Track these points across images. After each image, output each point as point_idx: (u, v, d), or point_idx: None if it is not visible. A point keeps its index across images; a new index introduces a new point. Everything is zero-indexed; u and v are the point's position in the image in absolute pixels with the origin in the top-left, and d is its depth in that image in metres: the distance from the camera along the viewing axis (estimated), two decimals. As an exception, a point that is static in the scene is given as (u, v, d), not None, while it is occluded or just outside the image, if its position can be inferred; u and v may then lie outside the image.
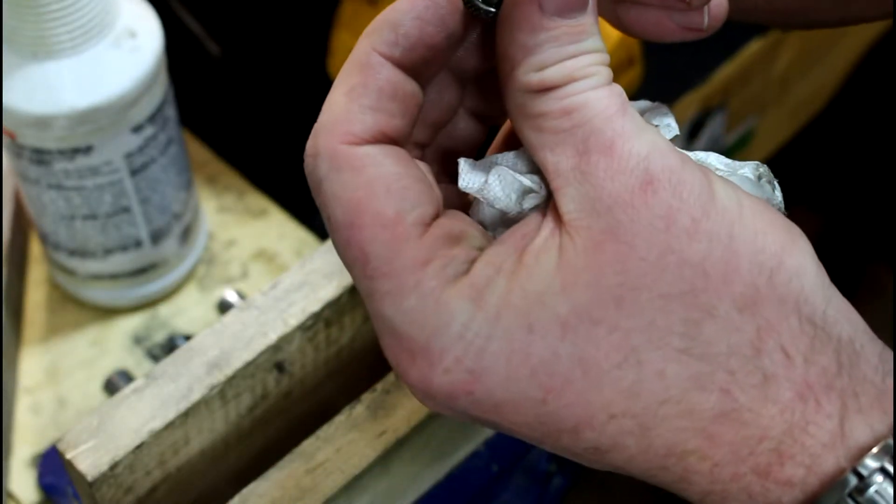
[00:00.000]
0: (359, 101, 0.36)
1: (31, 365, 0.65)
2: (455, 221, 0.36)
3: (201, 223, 0.68)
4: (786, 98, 0.92)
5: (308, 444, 0.47)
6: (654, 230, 0.34)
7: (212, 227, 0.70)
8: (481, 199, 0.37)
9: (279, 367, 0.50)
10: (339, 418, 0.48)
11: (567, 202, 0.34)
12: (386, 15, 0.36)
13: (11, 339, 0.64)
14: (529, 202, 0.36)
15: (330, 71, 0.73)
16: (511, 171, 0.36)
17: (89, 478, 0.45)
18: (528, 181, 0.36)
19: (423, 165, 0.37)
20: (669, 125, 0.39)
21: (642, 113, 0.39)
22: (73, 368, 0.65)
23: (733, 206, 0.35)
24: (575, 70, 0.35)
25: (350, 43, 0.71)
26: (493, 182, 0.36)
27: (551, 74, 0.35)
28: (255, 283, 0.68)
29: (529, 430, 0.35)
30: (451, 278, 0.35)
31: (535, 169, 0.37)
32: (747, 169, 0.38)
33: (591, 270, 0.34)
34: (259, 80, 0.78)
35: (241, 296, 0.65)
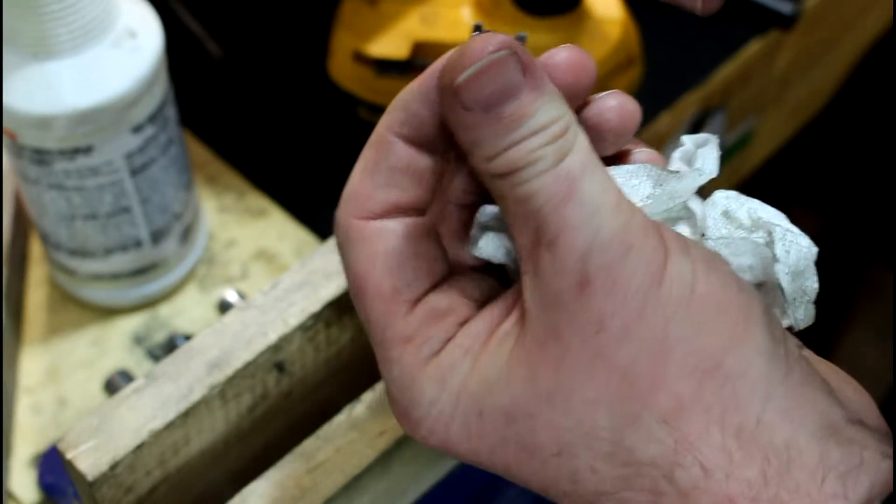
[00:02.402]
0: (372, 179, 0.38)
1: (31, 365, 0.65)
2: (445, 297, 0.38)
3: (201, 223, 0.68)
4: (786, 98, 0.92)
5: (308, 444, 0.47)
6: (585, 334, 0.34)
7: (212, 227, 0.70)
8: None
9: (279, 367, 0.50)
10: (339, 418, 0.48)
11: (526, 290, 0.35)
12: (400, 95, 0.38)
13: (11, 339, 0.64)
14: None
15: (330, 71, 0.73)
16: (496, 233, 0.38)
17: (89, 478, 0.45)
18: (510, 243, 0.38)
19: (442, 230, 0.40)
20: (701, 170, 0.39)
21: (693, 149, 0.39)
22: (74, 368, 0.65)
23: (680, 296, 0.34)
24: (518, 159, 0.34)
25: (350, 43, 0.71)
26: (483, 245, 0.38)
27: (499, 164, 0.35)
28: (255, 283, 0.68)
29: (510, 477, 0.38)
30: (425, 358, 0.37)
31: None
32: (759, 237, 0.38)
33: (531, 367, 0.35)
34: (259, 80, 0.78)
35: (241, 296, 0.65)
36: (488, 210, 0.38)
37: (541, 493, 0.37)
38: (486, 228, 0.38)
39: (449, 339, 0.37)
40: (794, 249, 0.37)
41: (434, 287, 0.38)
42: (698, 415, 0.34)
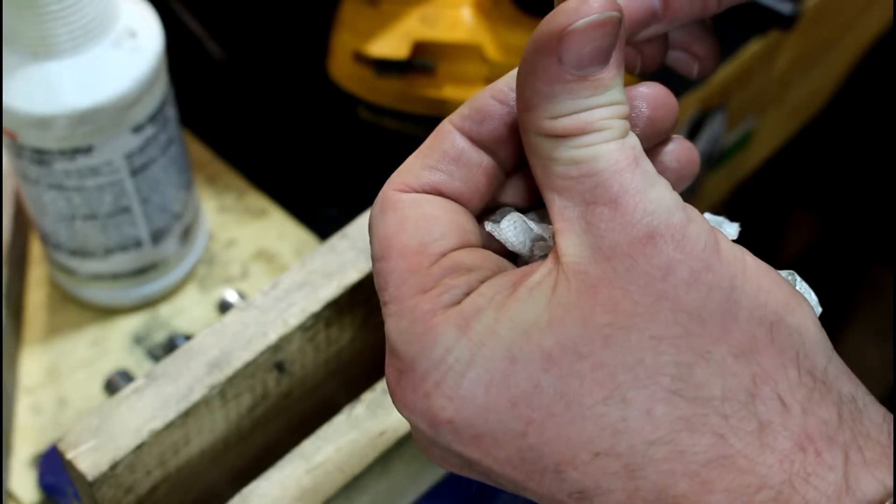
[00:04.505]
0: (422, 160, 0.38)
1: (31, 365, 0.65)
2: (473, 255, 0.37)
3: (201, 223, 0.69)
4: (786, 98, 0.92)
5: (308, 444, 0.47)
6: (650, 278, 0.34)
7: (212, 227, 0.70)
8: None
9: (279, 367, 0.50)
10: (339, 418, 0.48)
11: (567, 245, 0.35)
12: (473, 95, 0.39)
13: (11, 339, 0.64)
14: (539, 250, 0.38)
15: (330, 71, 0.73)
16: (524, 218, 0.38)
17: (89, 478, 0.45)
18: (538, 230, 0.38)
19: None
20: (726, 230, 0.40)
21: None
22: (74, 368, 0.65)
23: (737, 263, 0.35)
24: (588, 123, 0.35)
25: (350, 43, 0.71)
26: (505, 226, 0.38)
27: (565, 124, 0.35)
28: (255, 283, 0.68)
29: (512, 470, 0.35)
30: (445, 305, 0.36)
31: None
32: (783, 274, 0.38)
33: (582, 309, 0.34)
34: (259, 80, 0.78)
35: (241, 296, 0.65)
36: (505, 209, 0.39)
37: (553, 466, 0.34)
38: (506, 215, 0.39)
39: (471, 292, 0.36)
40: (808, 297, 0.38)
41: (461, 248, 0.37)
42: (774, 353, 0.34)
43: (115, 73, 0.57)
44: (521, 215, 0.39)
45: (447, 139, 0.38)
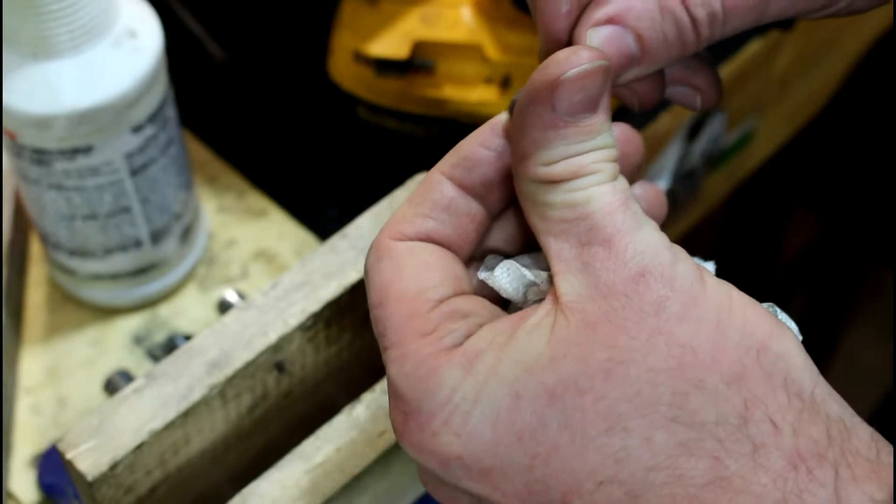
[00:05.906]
0: (414, 209, 0.39)
1: (31, 365, 0.65)
2: (469, 302, 0.39)
3: (201, 223, 0.69)
4: (785, 98, 0.92)
5: (308, 444, 0.48)
6: (644, 314, 0.36)
7: (212, 227, 0.70)
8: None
9: (279, 367, 0.50)
10: (339, 418, 0.48)
11: (565, 286, 0.37)
12: (459, 144, 0.40)
13: (11, 339, 0.64)
14: (533, 295, 0.39)
15: (330, 71, 0.73)
16: (518, 265, 0.39)
17: (89, 478, 0.45)
18: (532, 276, 0.39)
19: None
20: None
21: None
22: (74, 368, 0.65)
23: (723, 297, 0.36)
24: (581, 167, 0.37)
25: (350, 43, 0.71)
26: (499, 273, 0.40)
27: (558, 169, 0.37)
28: (255, 283, 0.68)
29: (520, 503, 0.36)
30: (447, 348, 0.37)
31: (545, 268, 0.39)
32: (763, 306, 0.39)
33: (581, 346, 0.36)
34: (259, 79, 0.78)
35: (241, 296, 0.65)
36: (495, 257, 0.40)
37: (560, 497, 0.36)
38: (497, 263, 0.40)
39: (471, 335, 0.37)
40: (789, 326, 0.39)
41: (456, 295, 0.39)
42: (762, 378, 0.35)
43: (115, 73, 0.57)
44: (514, 262, 0.40)
45: (436, 188, 0.39)
